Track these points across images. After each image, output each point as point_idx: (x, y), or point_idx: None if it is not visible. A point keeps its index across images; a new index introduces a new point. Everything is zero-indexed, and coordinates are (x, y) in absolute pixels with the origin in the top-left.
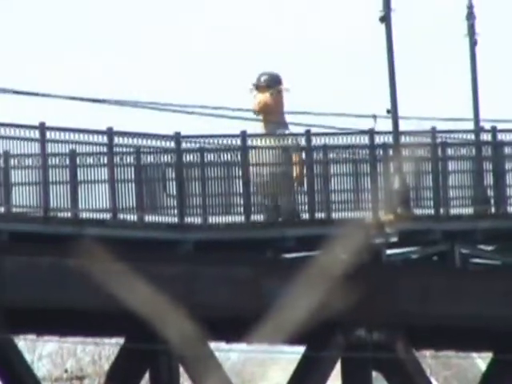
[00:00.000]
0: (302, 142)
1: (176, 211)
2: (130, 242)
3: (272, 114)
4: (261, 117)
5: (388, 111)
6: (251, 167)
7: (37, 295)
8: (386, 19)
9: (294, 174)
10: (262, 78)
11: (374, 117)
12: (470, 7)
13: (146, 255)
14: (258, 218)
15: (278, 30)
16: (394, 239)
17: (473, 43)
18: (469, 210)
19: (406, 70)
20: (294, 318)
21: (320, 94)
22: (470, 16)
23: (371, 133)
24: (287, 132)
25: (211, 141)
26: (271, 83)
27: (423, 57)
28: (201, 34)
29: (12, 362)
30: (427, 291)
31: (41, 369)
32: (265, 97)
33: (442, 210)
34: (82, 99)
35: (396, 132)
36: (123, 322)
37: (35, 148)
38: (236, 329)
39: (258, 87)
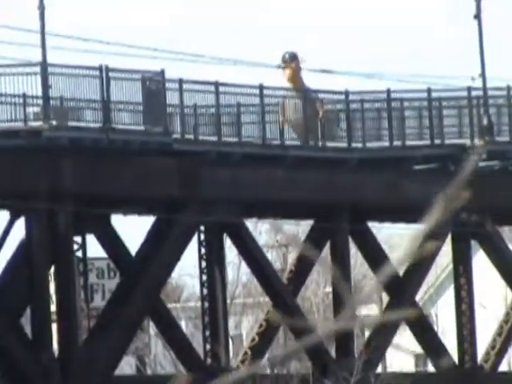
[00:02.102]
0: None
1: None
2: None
3: (297, 79)
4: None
5: (479, 74)
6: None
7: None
8: (478, 17)
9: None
10: (287, 56)
11: (473, 78)
12: None
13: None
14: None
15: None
16: (484, 156)
17: None
18: None
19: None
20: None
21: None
22: None
23: (469, 88)
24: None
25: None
26: (292, 58)
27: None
28: None
29: (243, 236)
30: (505, 188)
31: (261, 239)
32: (291, 69)
33: None
34: None
35: (485, 88)
36: (314, 208)
37: None
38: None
39: (285, 63)
